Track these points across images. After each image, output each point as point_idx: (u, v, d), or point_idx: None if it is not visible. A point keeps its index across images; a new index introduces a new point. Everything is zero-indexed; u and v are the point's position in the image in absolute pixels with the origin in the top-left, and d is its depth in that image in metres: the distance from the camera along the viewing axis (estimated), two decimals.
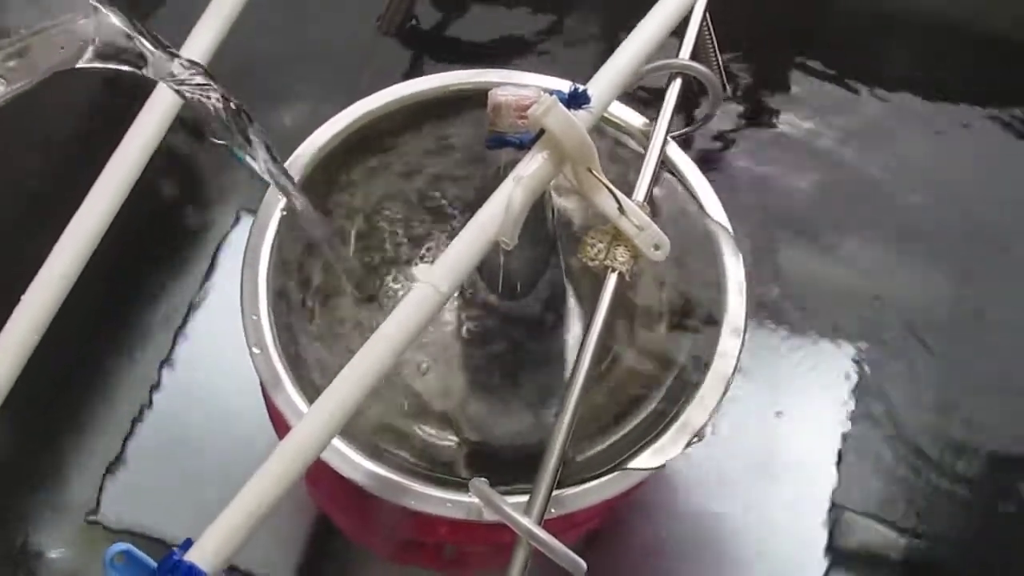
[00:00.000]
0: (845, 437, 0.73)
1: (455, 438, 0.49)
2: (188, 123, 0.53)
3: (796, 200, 0.82)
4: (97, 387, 0.73)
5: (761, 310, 0.76)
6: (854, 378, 0.75)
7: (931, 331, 0.77)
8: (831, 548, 0.69)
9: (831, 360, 0.76)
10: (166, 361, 0.74)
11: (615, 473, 0.43)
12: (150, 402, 0.72)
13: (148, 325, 0.75)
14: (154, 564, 0.34)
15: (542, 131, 0.41)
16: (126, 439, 0.70)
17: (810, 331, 0.76)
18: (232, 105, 0.42)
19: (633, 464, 0.43)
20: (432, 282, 0.37)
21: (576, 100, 0.41)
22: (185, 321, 0.75)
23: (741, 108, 0.85)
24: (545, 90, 0.41)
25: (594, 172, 0.43)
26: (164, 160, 0.79)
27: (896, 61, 0.90)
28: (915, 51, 0.90)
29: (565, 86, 0.42)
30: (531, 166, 0.40)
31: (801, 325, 0.76)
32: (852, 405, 0.74)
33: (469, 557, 0.56)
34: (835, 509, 0.70)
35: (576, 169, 0.42)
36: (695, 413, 0.44)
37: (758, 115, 0.85)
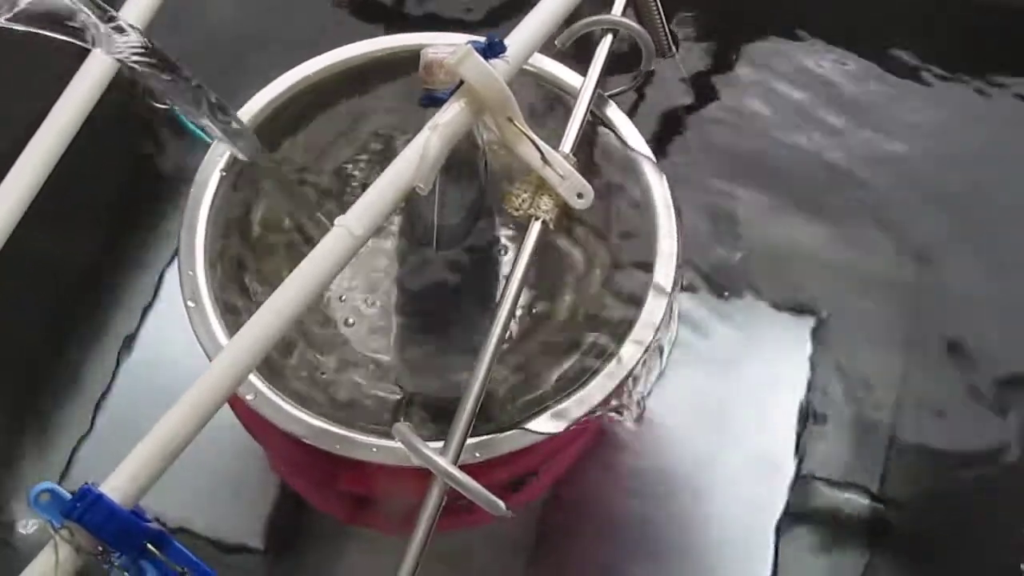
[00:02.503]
0: (806, 401, 0.73)
1: (398, 391, 0.50)
2: None
3: (758, 169, 0.82)
4: (66, 362, 0.74)
5: (722, 275, 0.77)
6: (816, 344, 0.75)
7: (894, 298, 0.77)
8: (789, 512, 0.69)
9: (793, 325, 0.76)
10: (135, 335, 0.75)
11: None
12: (118, 375, 0.73)
13: (117, 299, 0.76)
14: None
15: (462, 82, 0.42)
16: (95, 412, 0.72)
17: (772, 297, 0.77)
18: (170, 66, 0.44)
19: (531, 425, 0.44)
20: (346, 225, 0.38)
21: (493, 50, 0.42)
22: (155, 294, 0.77)
23: (698, 76, 0.85)
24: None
25: (515, 122, 0.43)
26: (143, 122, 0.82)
27: (867, 29, 0.89)
28: (886, 18, 0.89)
29: None
30: (447, 114, 0.41)
31: (762, 291, 0.76)
32: (813, 370, 0.74)
33: None
34: (794, 473, 0.70)
35: (497, 119, 0.43)
36: (606, 379, 0.45)
37: (714, 84, 0.85)
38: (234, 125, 0.48)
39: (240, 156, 0.49)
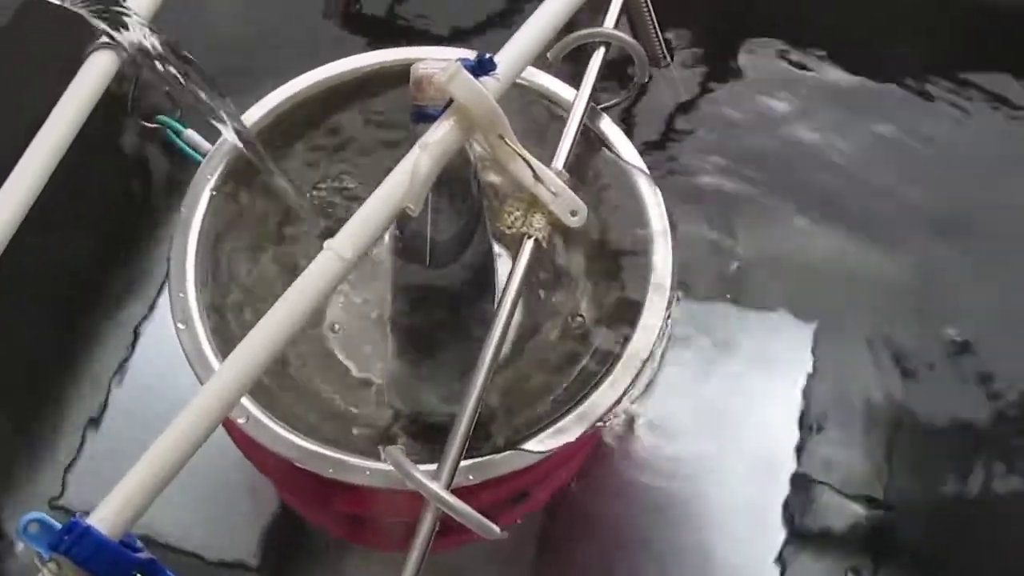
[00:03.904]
0: (807, 408, 0.73)
1: (389, 413, 0.50)
2: None
3: (754, 179, 0.82)
4: (61, 377, 0.74)
5: (721, 284, 0.76)
6: (816, 350, 0.75)
7: (895, 303, 0.77)
8: (789, 519, 0.69)
9: (793, 331, 0.75)
10: (130, 351, 0.75)
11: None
12: (111, 394, 0.73)
13: (111, 317, 0.76)
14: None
15: (452, 100, 0.41)
16: (88, 428, 0.72)
17: (771, 303, 0.76)
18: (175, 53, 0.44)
19: (527, 445, 0.43)
20: (335, 248, 0.38)
21: (482, 67, 0.41)
22: (149, 312, 0.77)
23: (695, 88, 0.85)
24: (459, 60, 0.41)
25: (507, 140, 0.43)
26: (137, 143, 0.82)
27: (867, 32, 0.89)
28: (887, 21, 0.89)
29: None
30: (437, 133, 0.40)
31: (762, 297, 0.76)
32: (814, 376, 0.74)
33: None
34: (795, 480, 0.70)
35: (488, 137, 0.42)
36: (604, 395, 0.45)
37: (710, 92, 0.85)
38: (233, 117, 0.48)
39: (239, 144, 0.48)
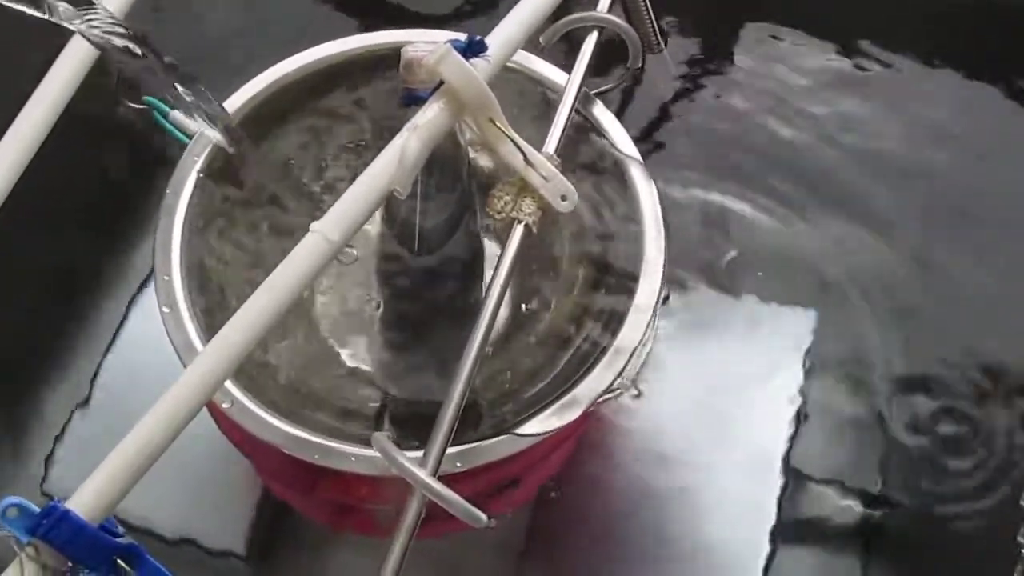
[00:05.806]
0: (801, 403, 0.72)
1: (379, 399, 0.49)
2: None
3: (750, 166, 0.81)
4: (47, 362, 0.74)
5: (716, 274, 0.76)
6: (810, 344, 0.74)
7: (888, 298, 0.77)
8: (781, 512, 0.68)
9: (790, 325, 0.75)
10: (116, 335, 0.74)
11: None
12: (100, 375, 0.72)
13: (99, 297, 0.76)
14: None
15: (443, 82, 0.41)
16: (74, 413, 0.71)
17: (768, 296, 0.76)
18: (144, 48, 0.43)
19: (518, 430, 0.43)
20: (322, 231, 0.37)
21: (473, 49, 0.41)
22: (139, 293, 0.76)
23: (688, 72, 0.84)
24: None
25: (497, 123, 0.42)
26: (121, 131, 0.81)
27: (863, 26, 0.89)
28: (885, 14, 0.88)
29: None
30: (427, 115, 0.40)
31: (758, 291, 0.76)
32: (809, 371, 0.73)
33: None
34: (787, 473, 0.69)
35: (478, 120, 0.42)
36: (596, 380, 0.45)
37: (705, 80, 0.84)
38: (214, 108, 0.47)
39: (223, 143, 0.48)
